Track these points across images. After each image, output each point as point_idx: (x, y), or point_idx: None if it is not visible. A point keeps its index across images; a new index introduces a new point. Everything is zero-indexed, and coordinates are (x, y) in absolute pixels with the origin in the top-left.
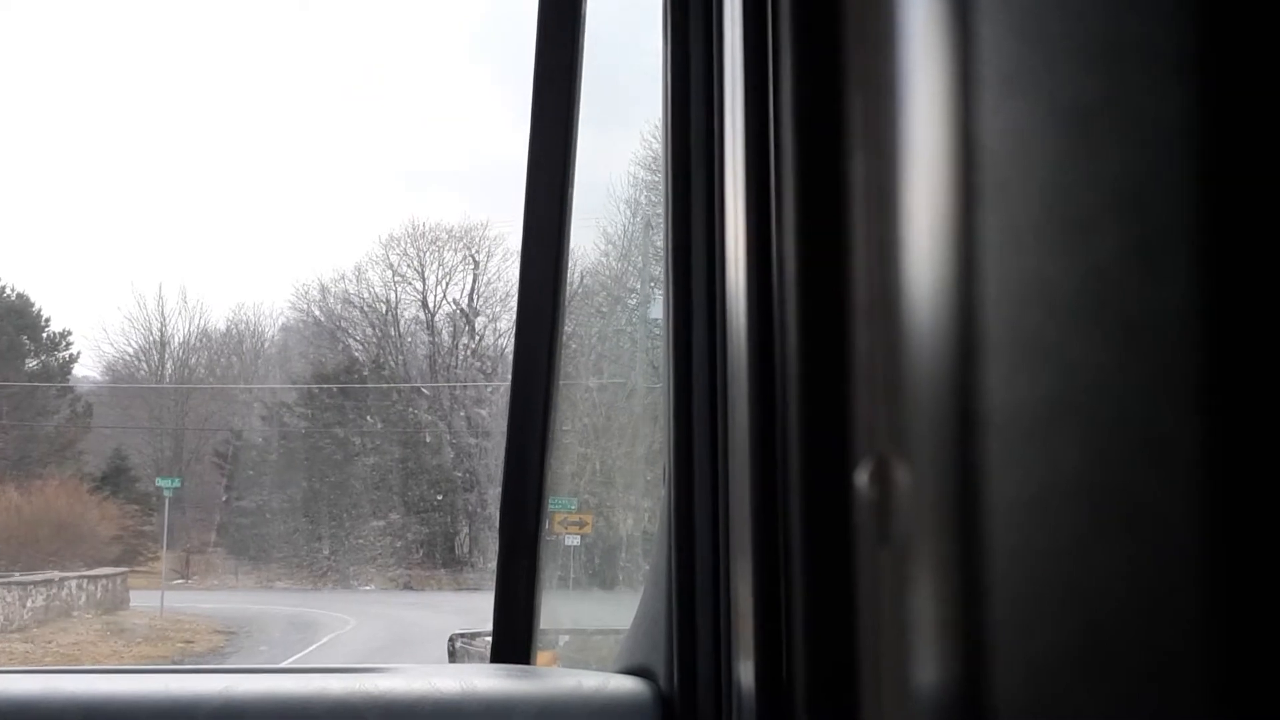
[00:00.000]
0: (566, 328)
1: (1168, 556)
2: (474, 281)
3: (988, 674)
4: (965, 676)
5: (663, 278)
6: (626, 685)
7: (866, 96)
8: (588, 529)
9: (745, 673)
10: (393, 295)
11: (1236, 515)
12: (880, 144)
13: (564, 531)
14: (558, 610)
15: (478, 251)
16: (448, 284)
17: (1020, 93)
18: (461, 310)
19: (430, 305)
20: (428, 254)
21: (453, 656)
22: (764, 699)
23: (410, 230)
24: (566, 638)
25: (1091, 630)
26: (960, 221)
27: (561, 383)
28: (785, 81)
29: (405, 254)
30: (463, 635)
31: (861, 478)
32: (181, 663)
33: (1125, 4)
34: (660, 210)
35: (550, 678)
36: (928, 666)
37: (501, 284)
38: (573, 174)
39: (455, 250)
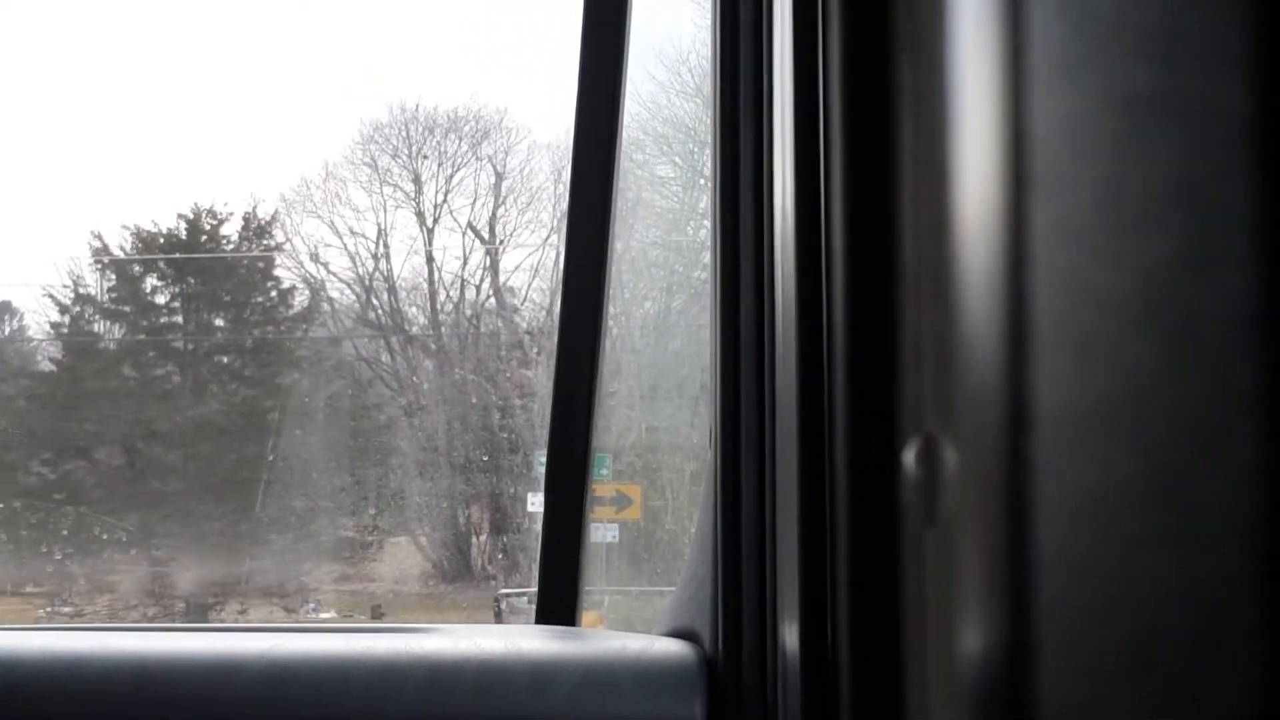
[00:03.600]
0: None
1: (1222, 563)
2: (496, 197)
3: (1031, 663)
4: (1008, 663)
5: (709, 246)
6: (671, 648)
7: (917, 78)
8: (633, 511)
9: (790, 638)
10: (381, 213)
11: None
12: (930, 127)
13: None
14: None
15: (498, 151)
16: (447, 190)
17: (1071, 81)
18: (479, 237)
19: (426, 218)
20: (426, 144)
21: (498, 616)
22: (808, 665)
23: (399, 115)
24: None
25: (1139, 630)
26: (1010, 210)
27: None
28: (834, 64)
29: (392, 148)
30: (508, 594)
31: (909, 456)
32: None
33: None
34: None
35: (595, 639)
36: (971, 649)
37: (526, 191)
38: (621, 118)
39: (462, 145)
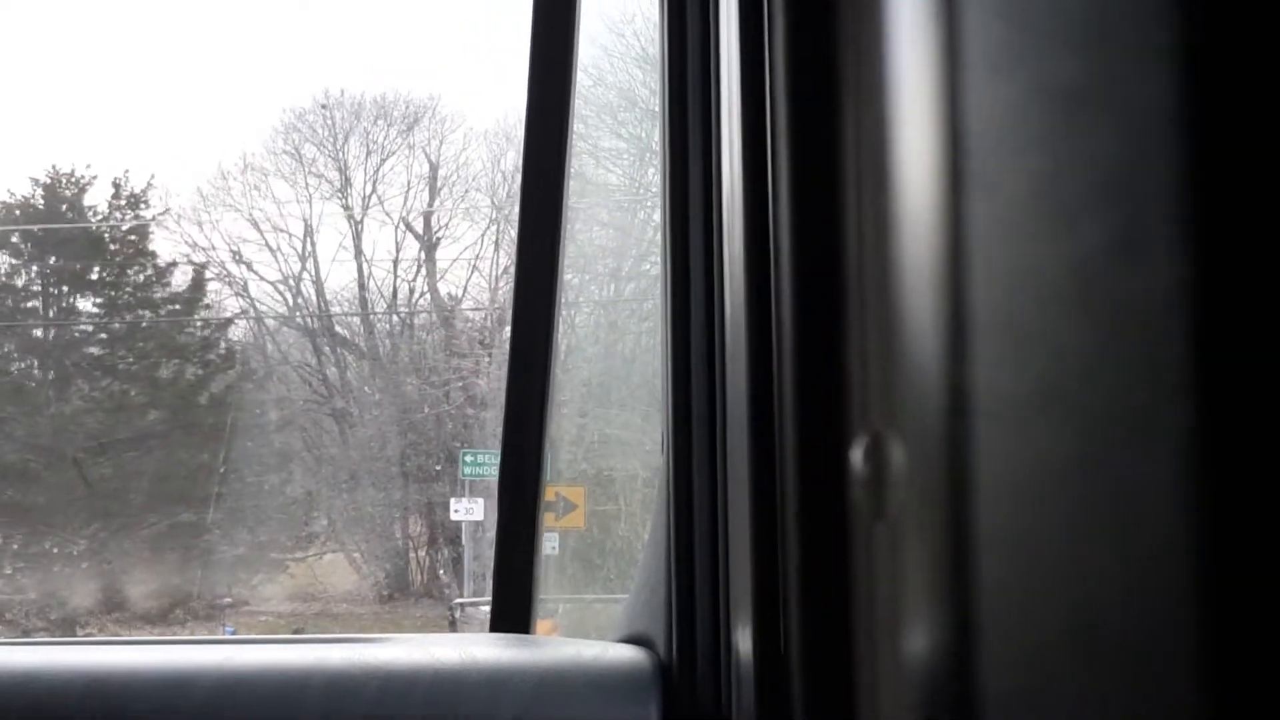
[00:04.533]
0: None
1: (1155, 540)
2: (432, 189)
3: (979, 649)
4: (957, 651)
5: (660, 247)
6: (625, 654)
7: (859, 74)
8: (575, 519)
9: (744, 641)
10: (305, 204)
11: (1224, 500)
12: (872, 123)
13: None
14: None
15: (431, 139)
16: (377, 180)
17: (1005, 76)
18: (413, 232)
19: (354, 209)
20: (352, 134)
21: (453, 625)
22: (762, 667)
23: (322, 101)
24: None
25: (1079, 610)
26: (949, 204)
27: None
28: (779, 64)
29: (315, 135)
30: (463, 603)
31: (856, 454)
32: (180, 634)
33: None
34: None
35: (549, 647)
36: (921, 640)
37: (462, 182)
38: (571, 118)
39: (392, 133)
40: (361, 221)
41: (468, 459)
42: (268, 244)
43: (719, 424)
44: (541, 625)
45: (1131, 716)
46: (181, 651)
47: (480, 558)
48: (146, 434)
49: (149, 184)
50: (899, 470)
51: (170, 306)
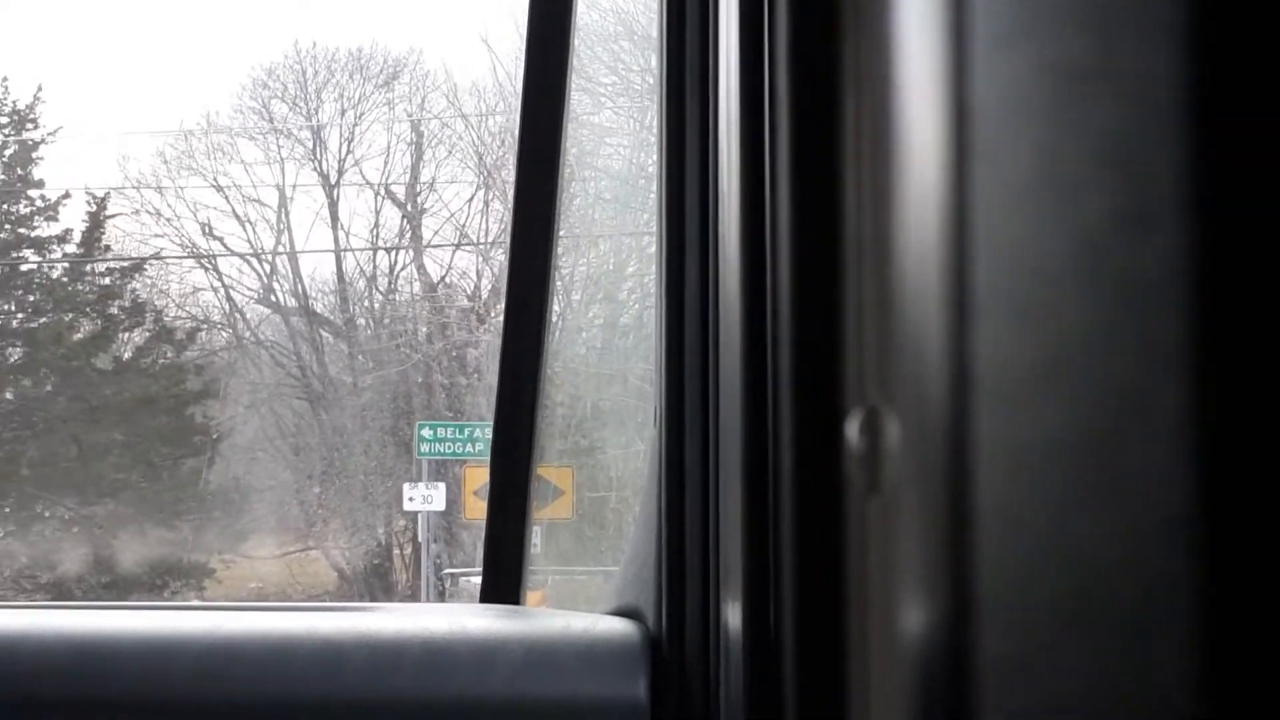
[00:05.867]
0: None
1: (1155, 519)
2: (416, 154)
3: (972, 624)
4: (950, 626)
5: (655, 216)
6: (615, 626)
7: (860, 48)
8: (562, 506)
9: (733, 615)
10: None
11: (1225, 479)
12: (873, 98)
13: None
14: None
15: (412, 98)
16: (352, 140)
17: (1011, 51)
18: (393, 199)
19: (326, 171)
20: (325, 89)
21: (442, 595)
22: (751, 641)
23: (293, 55)
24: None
25: (1077, 588)
26: (952, 178)
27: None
28: (780, 31)
29: (287, 93)
30: (453, 573)
31: (852, 427)
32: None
33: None
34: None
35: (539, 618)
36: (914, 617)
37: (445, 143)
38: (567, 106)
39: (368, 89)
40: (335, 186)
41: (425, 433)
42: (234, 212)
43: (711, 396)
44: (531, 597)
45: (1129, 695)
46: (170, 617)
47: (462, 551)
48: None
49: (35, 98)
50: (895, 445)
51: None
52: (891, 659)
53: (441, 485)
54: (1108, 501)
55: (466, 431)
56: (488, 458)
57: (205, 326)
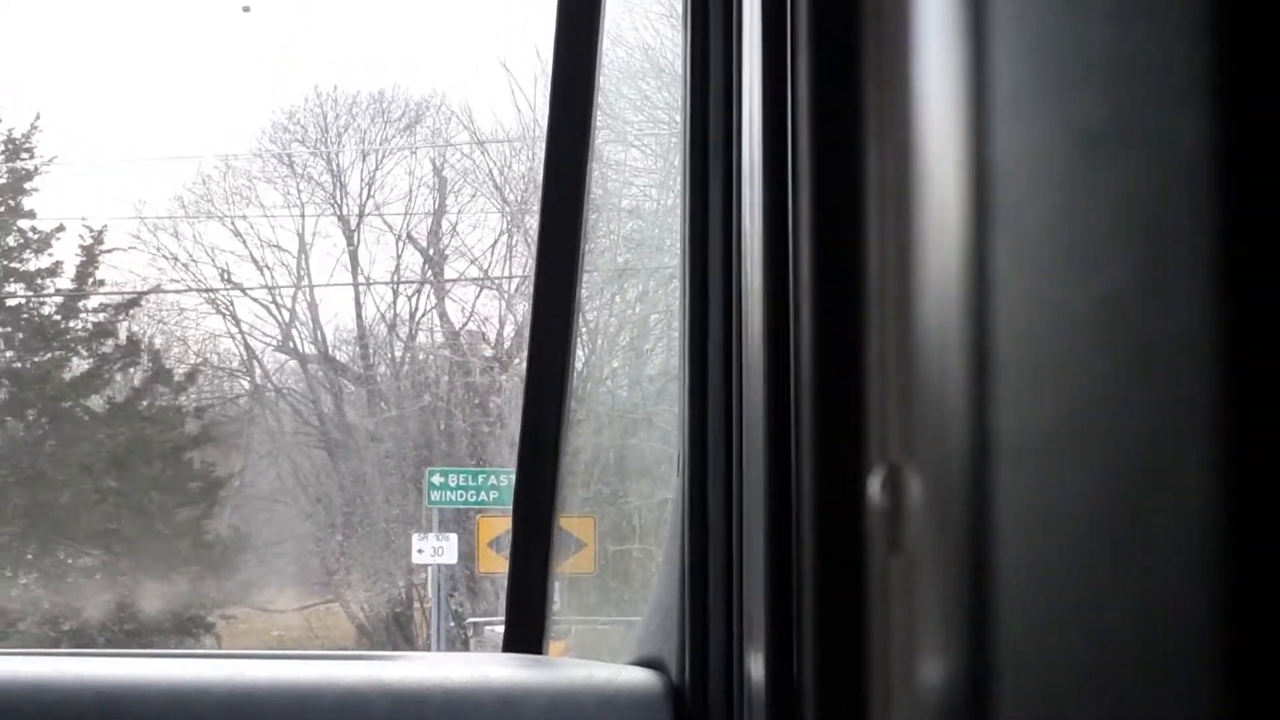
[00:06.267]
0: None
1: (1175, 583)
2: (440, 197)
3: (993, 685)
4: (971, 686)
5: (680, 270)
6: (638, 676)
7: (882, 110)
8: (583, 561)
9: (756, 667)
10: (296, 216)
11: (1245, 543)
12: (895, 156)
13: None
14: None
15: (437, 142)
16: (373, 184)
17: (1031, 112)
18: (417, 247)
19: (346, 215)
20: (346, 132)
21: (465, 644)
22: (774, 694)
23: (315, 99)
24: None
25: (1097, 649)
26: (973, 237)
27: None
28: (802, 95)
29: (307, 138)
30: (476, 622)
31: (874, 484)
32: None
33: (1135, 23)
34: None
35: (562, 668)
36: (935, 673)
37: (469, 185)
38: (592, 149)
39: (390, 131)
40: (355, 227)
41: (435, 480)
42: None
43: (735, 446)
44: (554, 647)
45: None
46: (190, 665)
47: (485, 601)
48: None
49: (33, 127)
50: (916, 503)
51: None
52: (912, 714)
53: (453, 536)
54: (1127, 564)
55: (481, 478)
56: (504, 506)
57: (229, 373)
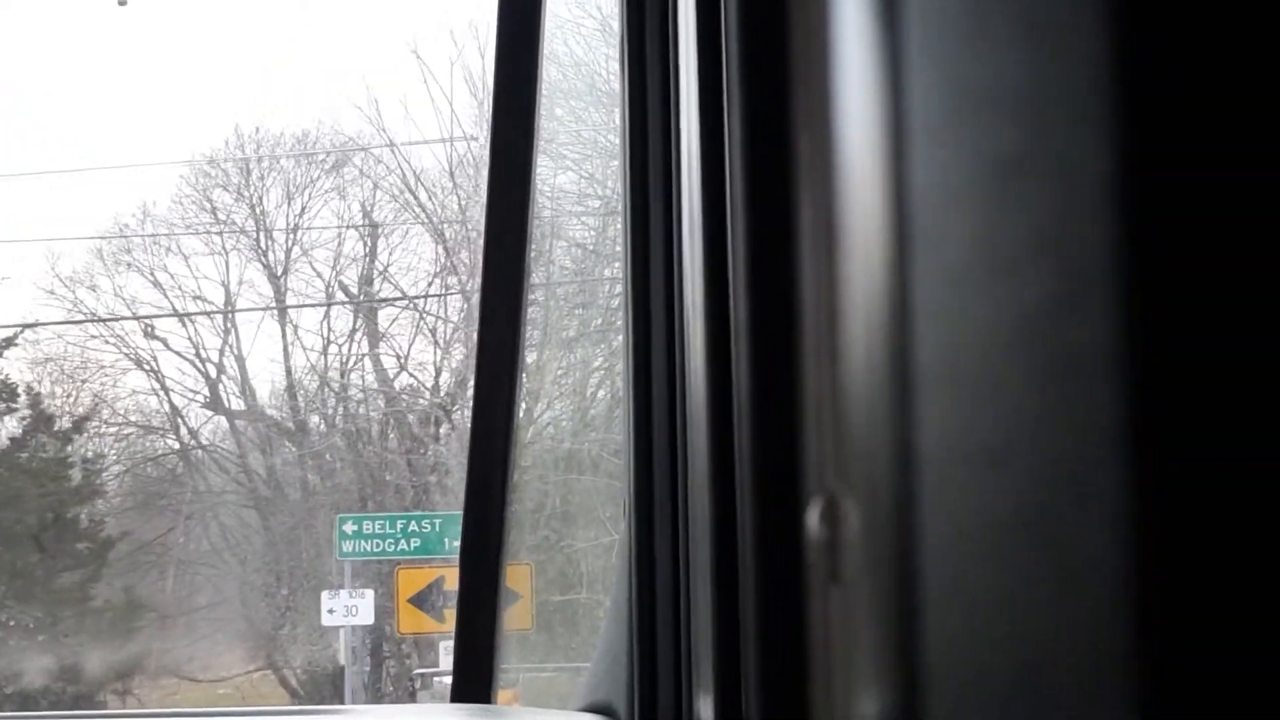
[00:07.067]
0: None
1: (1097, 594)
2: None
3: (926, 706)
4: (906, 708)
5: (623, 315)
6: None
7: (811, 144)
8: (519, 616)
9: (706, 708)
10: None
11: (1163, 554)
12: (822, 191)
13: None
14: None
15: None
16: (298, 228)
17: (947, 142)
18: (345, 292)
19: (270, 261)
20: (268, 177)
21: (413, 696)
22: None
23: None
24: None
25: (1026, 665)
26: (895, 266)
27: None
28: (736, 130)
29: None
30: (423, 674)
31: (812, 516)
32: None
33: (1044, 54)
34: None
35: (511, 717)
36: (872, 700)
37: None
38: (533, 197)
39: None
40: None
41: (347, 528)
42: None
43: (679, 490)
44: (502, 695)
45: None
46: None
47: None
48: None
49: None
50: (852, 532)
51: None
52: None
53: (369, 593)
54: (1052, 579)
55: (401, 524)
56: (422, 557)
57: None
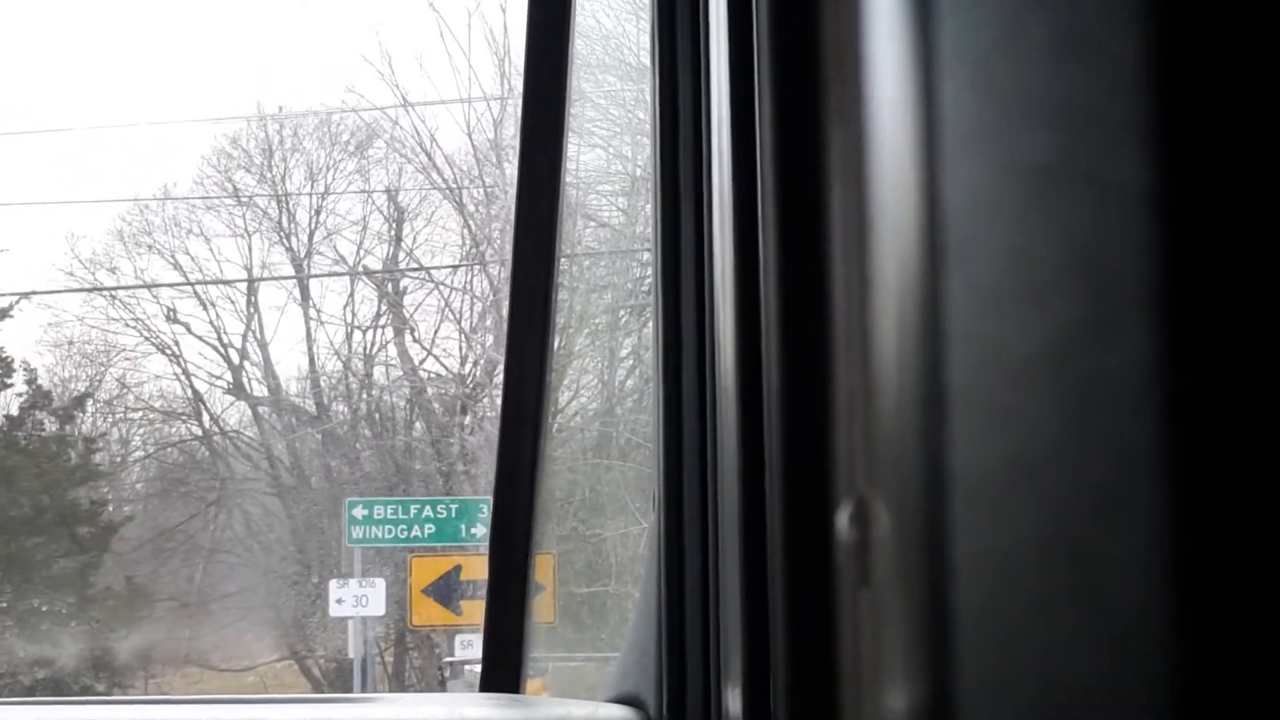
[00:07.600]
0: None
1: (1126, 618)
2: (397, 226)
3: (952, 714)
4: (933, 713)
5: (652, 316)
6: (615, 714)
7: (843, 153)
8: (542, 609)
9: (734, 702)
10: (242, 245)
11: (1196, 579)
12: (854, 187)
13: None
14: None
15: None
16: (321, 210)
17: (980, 153)
18: (372, 281)
19: (294, 247)
20: (290, 155)
21: (442, 684)
22: None
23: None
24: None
25: (1051, 685)
26: (925, 277)
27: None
28: (767, 140)
29: (251, 161)
30: (452, 662)
31: (842, 518)
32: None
33: (1080, 63)
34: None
35: (539, 706)
36: (899, 706)
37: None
38: (563, 183)
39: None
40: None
41: (357, 513)
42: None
43: (709, 483)
44: (531, 685)
45: None
46: (169, 710)
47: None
48: None
49: None
50: (881, 536)
51: None
52: None
53: (379, 582)
54: (1080, 602)
55: (414, 510)
56: (437, 545)
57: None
